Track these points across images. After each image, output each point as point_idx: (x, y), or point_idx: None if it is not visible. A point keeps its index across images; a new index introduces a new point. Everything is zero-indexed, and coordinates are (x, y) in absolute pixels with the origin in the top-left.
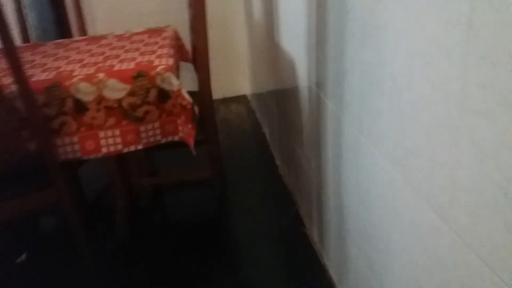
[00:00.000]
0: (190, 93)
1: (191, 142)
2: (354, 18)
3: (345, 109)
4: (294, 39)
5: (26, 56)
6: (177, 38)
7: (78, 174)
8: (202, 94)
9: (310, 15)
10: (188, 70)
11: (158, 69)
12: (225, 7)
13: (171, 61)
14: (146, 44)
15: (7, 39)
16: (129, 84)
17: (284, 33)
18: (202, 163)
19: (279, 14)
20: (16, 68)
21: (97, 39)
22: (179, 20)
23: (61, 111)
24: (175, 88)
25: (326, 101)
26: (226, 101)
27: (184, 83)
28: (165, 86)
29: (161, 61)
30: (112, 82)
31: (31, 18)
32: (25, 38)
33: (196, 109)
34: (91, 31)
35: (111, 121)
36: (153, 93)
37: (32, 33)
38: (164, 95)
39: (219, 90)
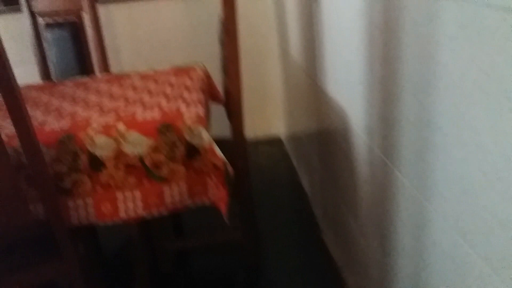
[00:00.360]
0: (221, 141)
1: (223, 207)
2: (451, 78)
3: (434, 198)
4: (346, 88)
5: (43, 98)
6: (207, 77)
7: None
8: (235, 144)
9: (373, 64)
10: (216, 107)
11: (187, 120)
12: (258, 42)
13: (201, 110)
14: (172, 86)
15: (8, 83)
16: (152, 138)
17: (331, 79)
18: (232, 220)
19: (324, 56)
20: (19, 117)
21: (119, 78)
22: (207, 54)
23: (74, 168)
24: (205, 144)
25: (398, 175)
26: (258, 143)
27: (212, 123)
28: (194, 141)
29: (189, 109)
30: (133, 135)
31: (52, 54)
32: (47, 74)
33: (230, 169)
34: (114, 66)
35: (131, 180)
36: (180, 149)
37: (53, 69)
38: (192, 151)
39: (250, 130)
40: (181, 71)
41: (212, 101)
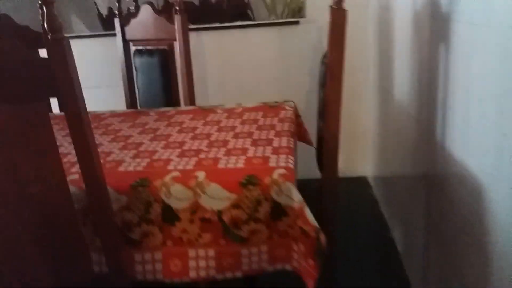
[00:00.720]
0: (305, 182)
1: (310, 283)
2: None
3: None
4: (485, 158)
5: (123, 129)
6: (296, 117)
7: None
8: (325, 198)
9: None
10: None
11: (275, 175)
12: (352, 77)
13: (291, 161)
14: (260, 128)
15: (76, 115)
16: (235, 193)
17: (459, 138)
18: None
19: (449, 109)
20: (85, 154)
21: (204, 112)
22: (297, 88)
23: (145, 219)
24: (295, 205)
25: None
26: (341, 181)
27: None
28: (282, 200)
29: (278, 160)
30: (213, 188)
31: (139, 80)
32: (132, 101)
33: (323, 238)
34: (199, 96)
35: (206, 237)
36: (264, 208)
37: (139, 96)
38: (278, 211)
39: None
40: (269, 109)
41: (299, 140)
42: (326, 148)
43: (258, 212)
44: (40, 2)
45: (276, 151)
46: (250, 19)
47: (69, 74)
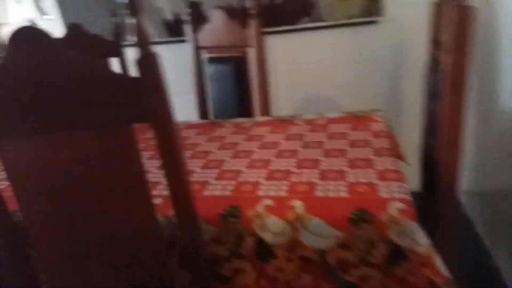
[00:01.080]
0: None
1: None
2: None
3: None
4: None
5: (202, 143)
6: (387, 128)
7: None
8: (444, 225)
9: None
10: None
11: (392, 210)
12: None
13: (407, 192)
14: (353, 144)
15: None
16: (342, 231)
17: None
18: None
19: None
20: (176, 177)
21: (283, 124)
22: (373, 95)
23: (236, 253)
24: (420, 250)
25: None
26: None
27: None
28: (403, 243)
29: (390, 189)
30: (316, 223)
31: (212, 90)
32: (204, 111)
33: None
34: (272, 102)
35: (306, 278)
36: (380, 250)
37: (211, 105)
38: (397, 255)
39: None
40: (357, 120)
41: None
42: (445, 172)
43: (370, 254)
44: (128, 11)
45: (382, 177)
46: (314, 20)
47: (161, 95)
